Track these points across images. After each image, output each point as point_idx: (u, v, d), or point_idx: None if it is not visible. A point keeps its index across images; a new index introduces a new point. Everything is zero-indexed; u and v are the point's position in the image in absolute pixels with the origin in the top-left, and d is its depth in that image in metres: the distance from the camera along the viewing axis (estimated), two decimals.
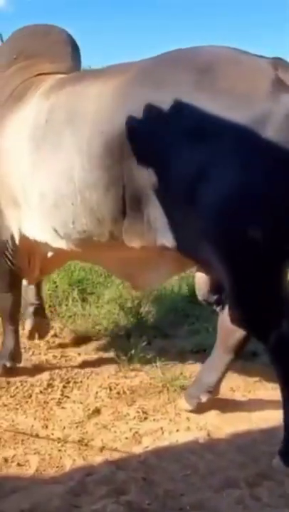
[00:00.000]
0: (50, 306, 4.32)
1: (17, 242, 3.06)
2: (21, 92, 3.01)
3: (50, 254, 3.07)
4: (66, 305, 4.31)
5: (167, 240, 2.38)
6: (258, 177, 2.12)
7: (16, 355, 3.35)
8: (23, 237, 3.01)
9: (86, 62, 4.03)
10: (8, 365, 3.29)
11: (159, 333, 3.87)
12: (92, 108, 2.51)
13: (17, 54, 3.25)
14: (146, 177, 2.33)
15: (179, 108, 2.21)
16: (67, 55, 3.24)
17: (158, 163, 2.29)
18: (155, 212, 2.36)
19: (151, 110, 2.27)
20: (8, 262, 3.14)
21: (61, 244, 2.80)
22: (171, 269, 2.82)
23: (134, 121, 2.32)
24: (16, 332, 3.38)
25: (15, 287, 3.31)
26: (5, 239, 3.08)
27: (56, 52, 3.24)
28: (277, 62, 2.23)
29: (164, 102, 2.24)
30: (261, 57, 2.29)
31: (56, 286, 4.48)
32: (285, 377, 2.35)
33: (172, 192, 2.28)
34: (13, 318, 3.37)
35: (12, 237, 3.06)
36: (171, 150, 2.23)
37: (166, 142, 2.24)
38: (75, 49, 3.33)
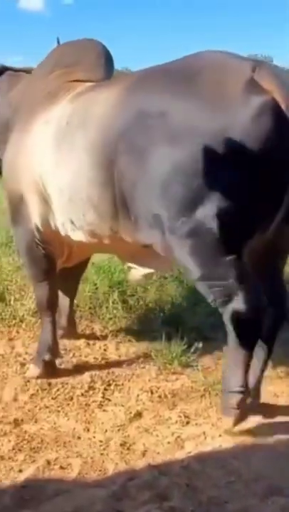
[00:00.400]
0: (90, 308, 4.34)
1: (45, 232, 3.25)
2: (55, 94, 3.28)
3: (73, 243, 3.26)
4: (106, 307, 4.30)
5: (146, 238, 2.68)
6: (222, 179, 2.36)
7: (54, 348, 3.40)
8: (49, 227, 3.22)
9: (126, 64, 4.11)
10: (47, 358, 3.35)
11: (199, 336, 3.82)
12: (98, 112, 2.81)
13: (57, 64, 3.55)
14: (130, 178, 2.60)
15: (160, 114, 2.46)
16: (99, 66, 3.47)
17: (138, 165, 2.54)
18: (138, 211, 2.64)
19: (138, 115, 2.55)
20: (41, 249, 3.31)
21: (79, 235, 3.07)
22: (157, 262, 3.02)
23: (125, 125, 2.60)
24: (54, 324, 3.44)
25: (50, 275, 3.41)
26: (33, 228, 3.27)
27: (90, 63, 3.48)
28: (256, 65, 2.39)
29: (149, 109, 2.51)
30: (247, 60, 2.49)
31: (96, 288, 4.48)
32: (232, 343, 2.60)
33: (148, 192, 2.54)
34: (50, 308, 3.44)
35: (41, 228, 3.25)
36: (148, 152, 2.49)
37: (145, 144, 2.50)
38: (108, 61, 3.55)
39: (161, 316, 4.05)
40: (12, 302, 4.31)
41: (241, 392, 2.60)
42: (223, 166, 2.36)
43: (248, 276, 2.57)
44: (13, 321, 4.08)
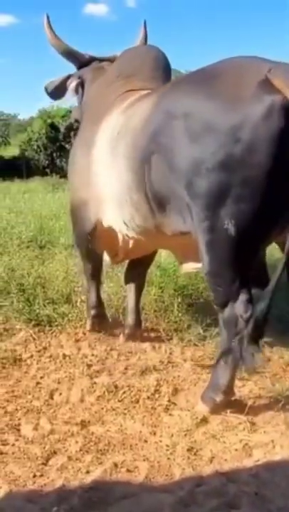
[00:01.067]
0: (155, 311, 4.34)
1: (103, 231, 3.58)
2: (113, 105, 3.50)
3: (129, 241, 3.53)
4: (172, 310, 4.29)
5: (181, 226, 2.86)
6: (236, 177, 2.48)
7: (98, 304, 4.04)
8: (107, 228, 3.54)
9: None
10: (93, 313, 4.00)
11: (265, 342, 3.74)
12: (137, 119, 3.06)
13: (120, 73, 3.74)
14: (163, 176, 2.80)
15: (183, 114, 2.65)
16: (156, 77, 3.63)
17: (167, 163, 2.75)
18: (173, 205, 2.85)
19: (165, 117, 2.75)
20: (94, 247, 3.76)
21: (132, 234, 3.37)
22: None
23: (154, 127, 2.83)
24: (98, 287, 4.07)
25: (96, 260, 3.97)
26: (93, 228, 3.64)
27: (148, 73, 3.65)
28: (273, 66, 2.49)
29: (174, 111, 2.71)
30: (266, 62, 2.58)
31: (162, 291, 4.47)
32: (223, 343, 2.84)
33: (177, 187, 2.72)
34: (95, 278, 4.04)
35: (100, 227, 3.59)
36: (174, 150, 2.69)
37: (172, 143, 2.70)
38: (166, 70, 3.73)
39: None
40: (78, 304, 4.37)
41: (225, 393, 2.87)
42: (239, 164, 2.48)
43: (251, 286, 2.75)
44: (80, 323, 4.12)
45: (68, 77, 4.25)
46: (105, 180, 3.38)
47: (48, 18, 4.05)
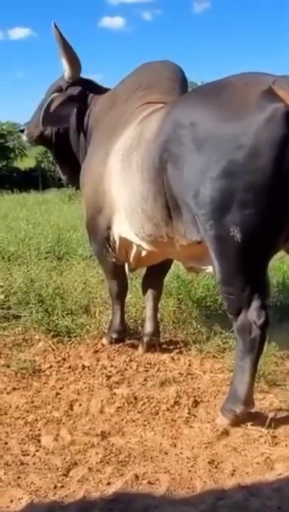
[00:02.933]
0: (173, 323, 4.33)
1: (117, 240, 3.66)
2: (131, 117, 3.55)
3: (141, 250, 3.59)
4: (190, 322, 4.28)
5: (196, 235, 2.87)
6: (239, 184, 2.52)
7: (121, 329, 4.02)
8: (120, 237, 3.62)
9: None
10: (114, 336, 3.99)
11: (286, 355, 3.72)
12: (150, 131, 3.10)
13: (137, 86, 3.78)
14: (176, 185, 2.85)
15: (190, 124, 2.71)
16: (173, 90, 3.67)
17: (178, 170, 2.80)
18: (186, 214, 2.87)
19: (174, 127, 2.82)
20: (110, 256, 3.76)
21: (142, 244, 3.44)
22: None
23: (166, 136, 2.88)
24: (122, 311, 4.04)
25: (119, 275, 3.95)
26: (106, 237, 3.69)
27: (165, 86, 3.69)
28: (278, 78, 2.57)
29: (182, 120, 2.77)
30: (274, 75, 2.63)
31: (180, 303, 4.47)
32: (238, 353, 2.86)
33: (187, 195, 2.77)
34: (120, 299, 4.02)
35: (113, 237, 3.66)
36: (183, 158, 2.75)
37: (180, 151, 2.76)
38: (182, 84, 3.76)
39: None
40: (97, 315, 4.38)
41: (245, 404, 2.84)
42: (242, 171, 2.52)
43: (263, 291, 2.80)
44: (98, 334, 4.12)
45: (69, 99, 4.09)
46: (118, 191, 3.43)
47: (56, 26, 3.91)
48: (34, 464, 2.56)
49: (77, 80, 4.17)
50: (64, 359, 3.77)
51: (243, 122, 2.53)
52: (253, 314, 2.76)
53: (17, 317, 4.33)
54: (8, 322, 4.27)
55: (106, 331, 4.11)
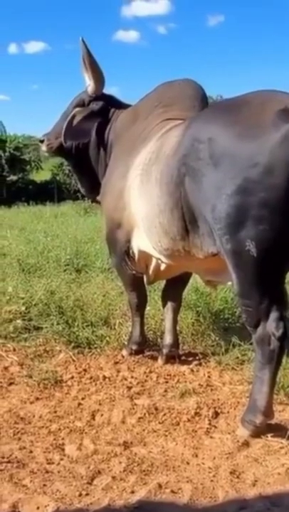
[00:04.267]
0: (192, 335, 4.38)
1: (136, 253, 3.73)
2: (151, 133, 3.64)
3: (160, 262, 3.67)
4: (208, 334, 4.33)
5: (212, 247, 2.93)
6: (254, 200, 2.58)
7: (141, 341, 4.08)
8: (139, 251, 3.70)
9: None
10: (134, 348, 4.05)
11: None
12: (169, 146, 3.17)
13: (158, 102, 3.87)
14: (194, 198, 2.90)
15: (208, 139, 2.77)
16: (194, 107, 3.74)
17: (195, 184, 2.86)
18: (203, 227, 2.92)
19: (193, 141, 2.88)
20: (130, 269, 3.84)
21: (160, 257, 3.51)
22: None
23: (184, 151, 2.94)
24: (142, 323, 4.11)
25: (138, 287, 4.03)
26: (125, 250, 3.77)
27: (186, 103, 3.77)
28: None
29: (200, 135, 2.84)
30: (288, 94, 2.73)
31: (199, 315, 4.51)
32: (257, 364, 2.91)
33: (204, 208, 2.83)
34: (139, 311, 4.09)
35: (132, 250, 3.74)
36: (200, 172, 2.82)
37: (198, 165, 2.82)
38: (202, 101, 3.82)
39: None
40: (116, 327, 4.44)
41: (265, 415, 2.88)
42: (258, 189, 2.59)
43: (281, 303, 2.83)
44: (118, 345, 4.18)
45: (90, 115, 4.23)
46: (137, 205, 3.50)
47: (83, 41, 3.99)
48: (59, 472, 2.62)
49: (99, 95, 4.26)
50: (85, 370, 3.83)
51: (259, 141, 2.59)
52: (271, 326, 2.81)
53: (38, 328, 4.39)
54: (29, 333, 4.33)
55: (126, 342, 4.17)
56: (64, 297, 4.86)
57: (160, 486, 2.49)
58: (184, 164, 2.94)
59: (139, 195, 3.45)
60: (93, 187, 4.37)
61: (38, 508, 2.34)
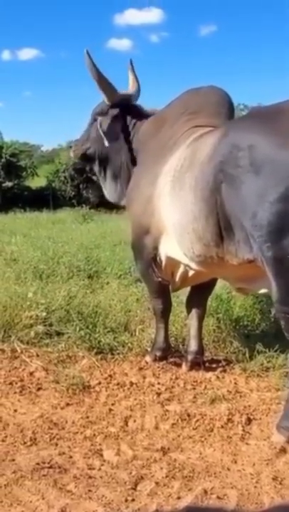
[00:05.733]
0: (213, 342, 4.38)
1: (163, 260, 3.76)
2: (179, 140, 3.66)
3: (188, 270, 3.69)
4: (230, 341, 4.34)
5: (248, 254, 2.94)
6: None
7: (165, 347, 4.10)
8: (167, 257, 3.71)
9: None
10: (158, 354, 4.06)
11: None
12: (204, 153, 3.17)
13: (184, 110, 3.90)
14: (231, 205, 2.91)
15: (249, 146, 2.78)
16: (220, 113, 3.80)
17: (234, 191, 2.87)
18: (239, 233, 2.94)
19: (232, 148, 2.89)
20: (156, 275, 3.86)
21: (191, 264, 3.50)
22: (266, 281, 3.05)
23: (222, 157, 2.94)
24: (166, 329, 4.12)
25: (164, 294, 4.04)
26: (152, 257, 3.79)
27: (212, 110, 3.81)
28: None
29: (240, 143, 2.85)
30: None
31: (219, 322, 4.52)
32: None
33: (243, 215, 2.84)
34: (164, 318, 4.11)
35: (159, 256, 3.76)
36: (240, 180, 2.82)
37: (237, 173, 2.83)
38: (229, 108, 3.89)
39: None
40: (137, 333, 4.44)
41: None
42: None
43: None
44: (141, 351, 4.18)
45: (114, 119, 4.32)
46: (168, 211, 3.49)
47: (88, 53, 4.08)
48: (101, 477, 2.61)
49: (116, 102, 4.30)
50: (110, 376, 3.83)
51: None
52: None
53: (59, 334, 4.37)
54: (50, 339, 4.31)
55: (148, 348, 4.17)
56: (83, 303, 4.85)
57: (206, 491, 2.49)
58: (221, 171, 2.94)
59: (170, 202, 3.45)
60: (117, 192, 4.40)
61: None
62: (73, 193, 26.95)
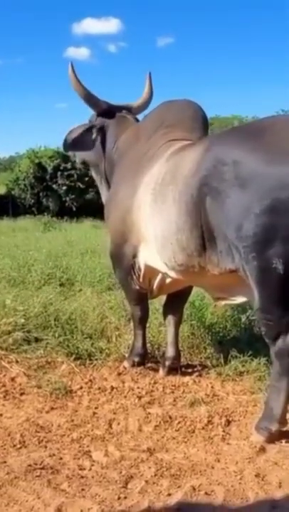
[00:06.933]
0: (188, 347, 4.52)
1: (142, 268, 3.89)
2: (157, 153, 3.79)
3: (166, 278, 3.83)
4: (204, 347, 4.49)
5: (230, 264, 3.07)
6: (282, 220, 2.74)
7: (143, 353, 4.23)
8: (146, 265, 3.85)
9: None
10: (136, 360, 4.19)
11: None
12: (187, 167, 3.28)
13: (161, 123, 4.04)
14: (215, 217, 3.04)
15: (233, 162, 2.92)
16: (195, 128, 3.96)
17: (218, 204, 2.99)
18: (222, 244, 3.07)
19: (216, 163, 3.01)
20: (134, 283, 3.99)
21: (171, 273, 3.62)
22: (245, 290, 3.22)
23: (206, 172, 3.07)
24: (144, 336, 4.26)
25: (142, 301, 4.18)
26: (131, 265, 3.92)
27: (188, 125, 3.97)
28: None
29: (225, 158, 2.98)
30: None
31: (193, 329, 4.66)
32: (274, 374, 3.08)
33: (227, 227, 2.96)
34: (142, 324, 4.24)
35: (138, 265, 3.90)
36: (225, 193, 2.94)
37: (222, 187, 2.95)
38: (203, 122, 4.06)
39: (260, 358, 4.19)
40: (114, 339, 4.54)
41: (280, 422, 3.07)
42: (286, 209, 2.74)
43: None
44: (118, 357, 4.29)
45: (89, 128, 4.50)
46: (149, 222, 3.60)
47: (72, 65, 4.27)
48: (93, 477, 2.70)
49: (101, 112, 4.48)
50: (91, 381, 3.92)
51: (288, 165, 2.76)
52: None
53: (37, 340, 4.43)
54: (29, 345, 4.37)
55: (126, 354, 4.28)
56: (59, 310, 4.92)
57: (194, 488, 2.60)
58: (206, 185, 3.05)
59: (151, 213, 3.55)
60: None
61: (81, 511, 2.42)
62: (33, 201, 26.87)
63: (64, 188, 26.75)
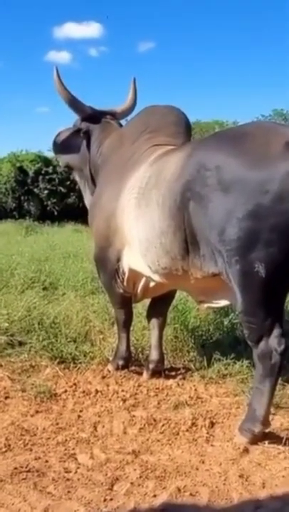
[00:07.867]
0: (172, 351, 4.56)
1: (126, 272, 3.92)
2: (141, 157, 3.84)
3: (150, 282, 3.86)
4: (187, 350, 4.53)
5: (213, 268, 3.12)
6: (264, 224, 2.79)
7: (127, 356, 4.25)
8: (130, 269, 3.87)
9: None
10: (120, 363, 4.21)
11: (284, 377, 3.99)
12: (169, 171, 3.33)
13: (144, 128, 4.09)
14: (198, 221, 3.08)
15: (216, 167, 2.97)
16: (179, 133, 4.02)
17: (201, 209, 3.04)
18: (205, 248, 3.11)
19: (199, 168, 3.06)
20: (119, 287, 4.01)
21: (155, 276, 3.66)
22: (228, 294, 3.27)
23: (189, 177, 3.12)
24: (128, 339, 4.27)
25: (126, 305, 4.21)
26: (116, 269, 3.95)
27: (171, 130, 4.02)
28: None
29: (207, 163, 3.02)
30: (287, 126, 3.09)
31: (176, 332, 4.70)
32: (258, 377, 3.11)
33: (210, 231, 3.01)
34: (126, 327, 4.26)
35: (122, 268, 3.92)
36: (207, 198, 2.99)
37: (205, 191, 3.00)
38: (186, 128, 4.11)
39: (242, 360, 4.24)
40: (98, 343, 4.56)
41: (263, 424, 3.11)
42: (268, 214, 2.79)
43: (282, 320, 3.05)
44: (102, 361, 4.30)
45: (76, 132, 4.54)
46: (132, 226, 3.63)
47: (57, 70, 4.31)
48: (79, 479, 2.72)
49: (86, 117, 4.50)
50: (75, 384, 3.93)
51: (270, 170, 2.81)
52: (274, 342, 3.02)
53: (21, 344, 4.44)
54: (12, 349, 4.37)
55: (110, 357, 4.30)
56: (43, 313, 4.92)
57: (179, 490, 2.63)
58: (189, 189, 3.10)
59: (135, 217, 3.58)
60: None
61: None
62: (14, 205, 26.74)
63: (45, 192, 26.65)
